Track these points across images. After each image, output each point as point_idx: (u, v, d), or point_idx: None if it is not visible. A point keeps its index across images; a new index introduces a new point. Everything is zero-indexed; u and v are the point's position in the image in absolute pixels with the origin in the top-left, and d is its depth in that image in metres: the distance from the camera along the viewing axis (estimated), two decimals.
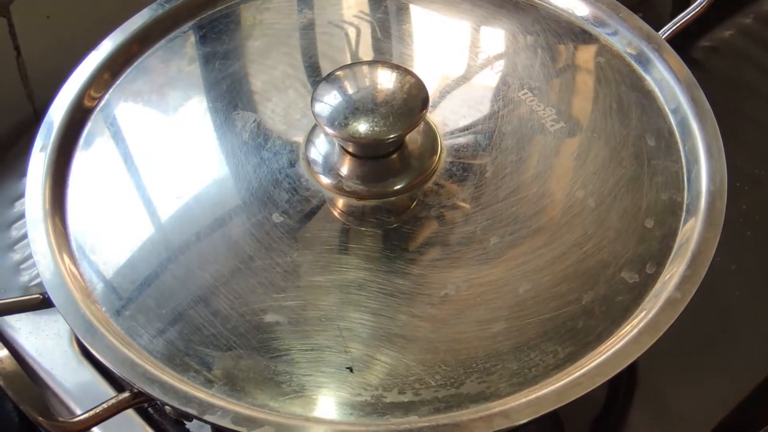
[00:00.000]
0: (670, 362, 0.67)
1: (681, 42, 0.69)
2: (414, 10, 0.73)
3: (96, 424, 0.53)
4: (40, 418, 0.52)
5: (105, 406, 0.53)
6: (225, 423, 0.52)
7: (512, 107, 0.65)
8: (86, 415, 0.53)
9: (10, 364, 0.54)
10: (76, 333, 0.56)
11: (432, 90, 0.63)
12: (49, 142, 0.64)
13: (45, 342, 0.70)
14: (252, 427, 0.52)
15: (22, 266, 0.74)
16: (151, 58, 0.69)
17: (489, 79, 0.67)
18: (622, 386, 0.66)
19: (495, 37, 0.70)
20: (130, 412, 0.65)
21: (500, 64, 0.68)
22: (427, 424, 0.52)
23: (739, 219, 0.75)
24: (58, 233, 0.60)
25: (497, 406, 0.53)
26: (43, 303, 0.57)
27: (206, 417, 0.52)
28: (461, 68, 0.69)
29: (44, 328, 0.70)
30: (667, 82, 0.66)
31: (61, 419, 0.52)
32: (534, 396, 0.52)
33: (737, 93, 0.84)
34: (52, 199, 0.62)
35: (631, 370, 0.66)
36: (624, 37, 0.69)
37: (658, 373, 0.67)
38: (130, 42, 0.69)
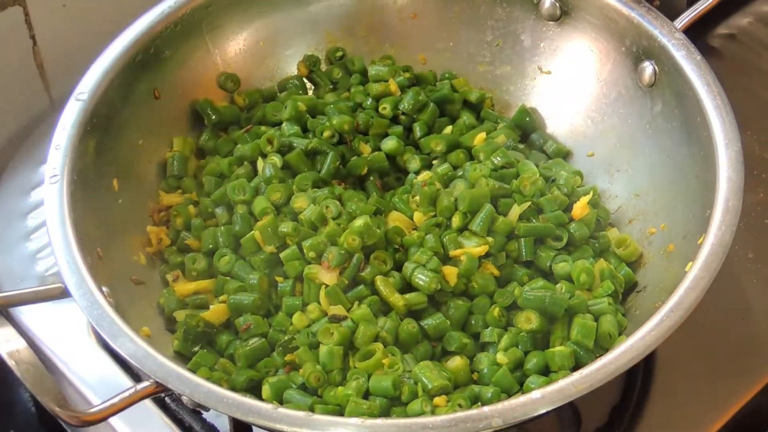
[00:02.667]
0: (688, 351, 0.67)
1: (698, 29, 0.69)
2: None
3: (113, 414, 0.53)
4: (57, 409, 0.52)
5: (122, 396, 0.53)
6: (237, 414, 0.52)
7: None
8: (103, 406, 0.52)
9: (27, 354, 0.54)
10: (93, 324, 0.56)
11: None
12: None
13: (62, 332, 0.69)
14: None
15: (39, 255, 0.73)
16: None
17: None
18: (639, 375, 0.66)
19: None
20: (147, 402, 0.65)
21: None
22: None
23: (757, 207, 0.75)
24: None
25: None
26: (64, 294, 0.57)
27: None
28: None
29: (61, 318, 0.69)
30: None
31: (78, 409, 0.52)
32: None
33: (755, 80, 0.83)
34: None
35: (648, 358, 0.65)
36: None
37: (675, 362, 0.66)
38: None
